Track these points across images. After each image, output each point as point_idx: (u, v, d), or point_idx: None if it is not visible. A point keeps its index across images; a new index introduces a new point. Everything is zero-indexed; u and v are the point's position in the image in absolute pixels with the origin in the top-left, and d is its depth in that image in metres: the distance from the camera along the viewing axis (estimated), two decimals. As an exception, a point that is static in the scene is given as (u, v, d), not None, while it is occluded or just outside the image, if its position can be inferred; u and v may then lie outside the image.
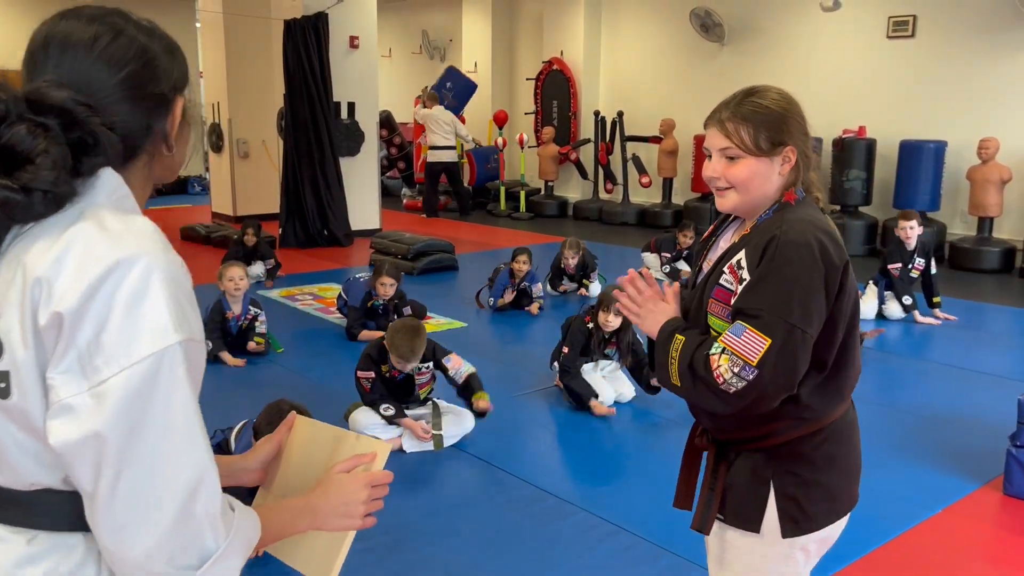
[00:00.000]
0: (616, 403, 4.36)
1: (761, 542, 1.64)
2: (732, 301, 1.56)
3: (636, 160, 10.98)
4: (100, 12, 1.02)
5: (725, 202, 1.65)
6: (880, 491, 3.39)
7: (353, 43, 9.45)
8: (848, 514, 1.71)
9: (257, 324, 5.19)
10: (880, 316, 6.08)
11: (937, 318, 6.07)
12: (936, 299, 6.09)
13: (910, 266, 6.00)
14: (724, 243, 1.74)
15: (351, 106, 9.57)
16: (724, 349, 1.52)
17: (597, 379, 4.38)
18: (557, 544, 2.97)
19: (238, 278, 5.09)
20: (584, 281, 6.82)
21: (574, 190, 12.34)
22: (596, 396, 4.23)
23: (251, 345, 5.11)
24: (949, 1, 8.56)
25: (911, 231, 5.93)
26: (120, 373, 0.88)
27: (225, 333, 5.11)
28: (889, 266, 6.02)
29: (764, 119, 1.59)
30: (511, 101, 13.42)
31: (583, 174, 11.89)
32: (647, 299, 1.71)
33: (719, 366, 1.52)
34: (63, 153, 0.94)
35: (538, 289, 6.39)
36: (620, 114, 11.17)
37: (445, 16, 14.47)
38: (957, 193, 8.60)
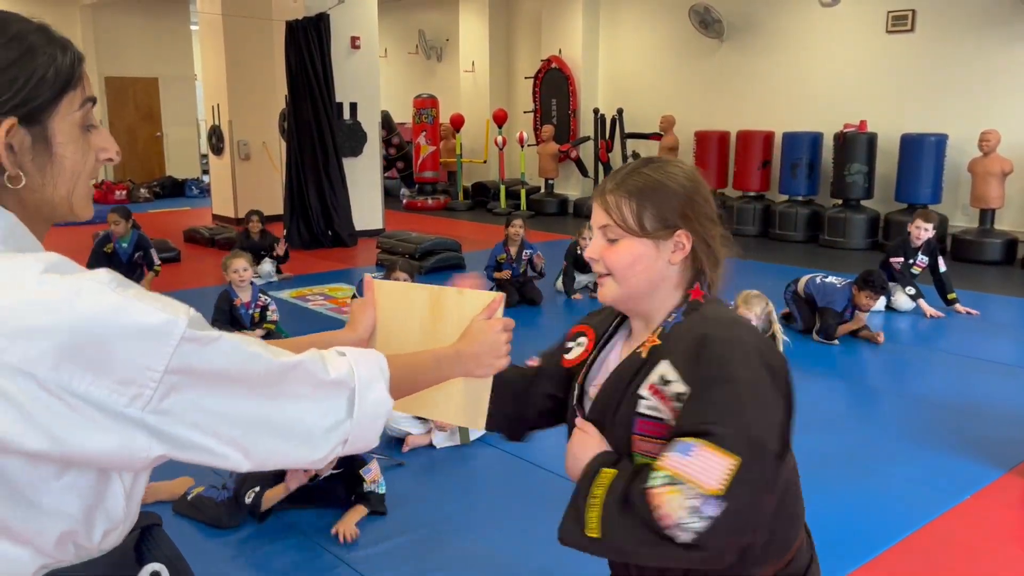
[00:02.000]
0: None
1: None
2: (668, 431, 1.23)
3: (636, 157, 11.03)
4: None
5: (605, 292, 1.35)
6: (907, 480, 3.44)
7: (354, 43, 9.47)
8: None
9: (269, 313, 5.22)
10: (889, 308, 6.15)
11: (958, 311, 6.12)
12: (951, 295, 6.15)
13: (912, 262, 6.11)
14: (614, 359, 1.42)
15: (353, 106, 9.58)
16: (669, 478, 1.14)
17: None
18: (596, 535, 3.00)
19: (242, 269, 5.12)
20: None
21: (574, 188, 12.38)
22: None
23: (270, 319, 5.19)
24: (947, -5, 8.65)
25: (923, 232, 6.05)
26: (160, 384, 0.84)
27: (236, 322, 5.13)
28: (891, 259, 6.16)
29: (652, 194, 1.30)
30: (510, 100, 13.45)
31: (583, 172, 11.93)
32: (574, 436, 1.36)
33: (664, 503, 1.14)
34: None
35: (540, 258, 6.51)
36: (620, 111, 11.21)
37: (441, 15, 14.49)
38: (958, 186, 8.68)
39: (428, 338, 1.24)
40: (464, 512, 3.21)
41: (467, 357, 1.16)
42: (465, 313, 1.27)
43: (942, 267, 6.13)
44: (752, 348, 1.23)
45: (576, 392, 1.45)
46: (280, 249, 7.39)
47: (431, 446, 3.77)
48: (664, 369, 1.25)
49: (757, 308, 4.49)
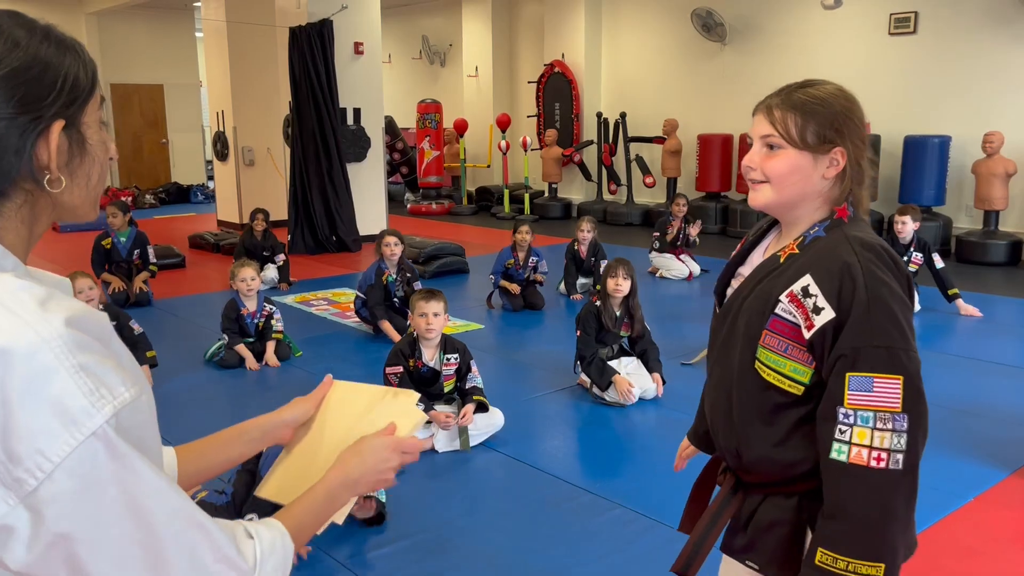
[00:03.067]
0: (641, 399, 4.41)
1: None
2: (805, 335, 1.37)
3: (640, 161, 11.04)
4: None
5: (757, 196, 1.48)
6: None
7: (358, 49, 9.50)
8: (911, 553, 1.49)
9: (273, 322, 5.23)
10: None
11: (961, 308, 6.09)
12: (952, 291, 6.13)
13: (906, 259, 6.09)
14: (758, 257, 1.57)
15: (357, 112, 9.61)
16: (857, 418, 1.31)
17: (621, 377, 4.41)
18: (597, 539, 3.01)
19: (250, 278, 5.15)
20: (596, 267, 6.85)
21: (578, 192, 12.39)
22: (616, 372, 4.34)
23: (270, 358, 5.13)
24: (950, -3, 8.64)
25: (902, 226, 6.05)
26: (49, 477, 0.74)
27: (242, 331, 5.16)
28: None
29: (816, 111, 1.41)
30: (513, 104, 13.47)
31: (587, 176, 11.94)
32: None
33: (869, 447, 1.31)
34: None
35: (544, 266, 6.59)
36: (623, 115, 11.23)
37: (445, 21, 14.52)
38: (962, 187, 8.67)
39: (352, 431, 1.20)
40: (465, 516, 3.22)
41: (357, 484, 1.10)
42: (389, 413, 1.22)
43: (939, 263, 6.09)
44: (888, 269, 1.36)
45: (720, 282, 1.64)
46: (279, 260, 7.42)
47: (433, 450, 3.77)
48: (807, 282, 1.37)
49: None
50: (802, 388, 1.41)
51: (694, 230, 7.68)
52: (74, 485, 0.74)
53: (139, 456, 0.78)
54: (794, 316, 1.39)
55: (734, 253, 1.65)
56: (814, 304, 1.36)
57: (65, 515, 0.74)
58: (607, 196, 11.80)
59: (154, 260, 6.94)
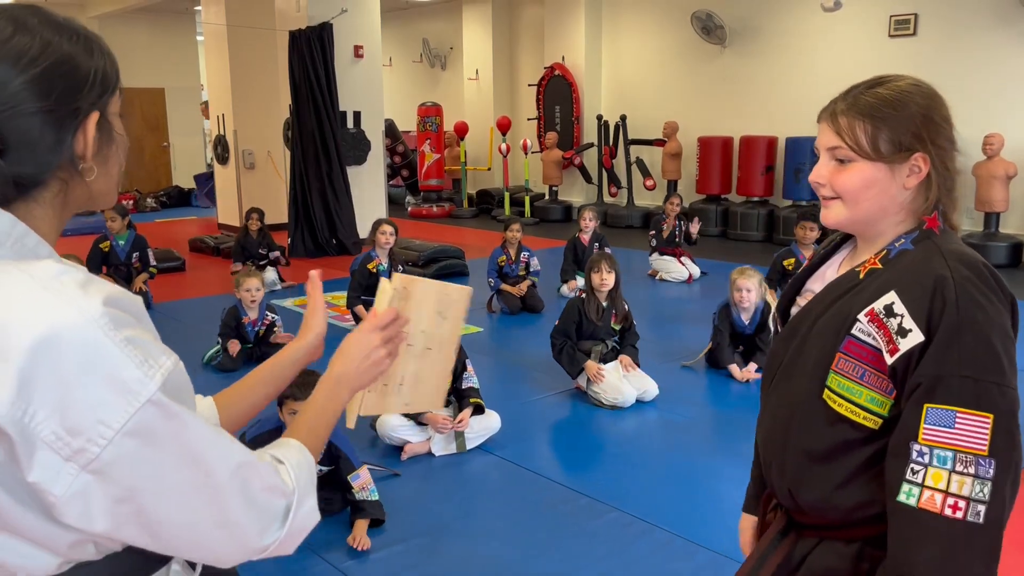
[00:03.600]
0: (639, 401, 4.40)
1: None
2: (888, 360, 1.20)
3: (640, 163, 11.04)
4: (6, 10, 0.88)
5: (829, 214, 1.31)
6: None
7: (358, 52, 9.51)
8: None
9: (276, 330, 5.26)
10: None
11: None
12: None
13: None
14: (831, 273, 1.40)
15: (357, 115, 9.62)
16: (933, 457, 1.14)
17: (616, 379, 4.41)
18: (594, 542, 3.00)
19: (255, 289, 5.18)
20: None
21: (578, 194, 12.38)
22: (588, 356, 4.44)
23: (279, 336, 5.19)
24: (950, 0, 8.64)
25: None
26: (111, 444, 0.79)
27: (242, 338, 5.17)
28: None
29: (889, 115, 1.25)
30: (513, 107, 13.47)
31: (587, 178, 11.93)
32: None
33: (945, 492, 1.13)
34: None
35: (535, 263, 6.63)
36: (623, 118, 11.22)
37: (445, 24, 14.54)
38: (962, 189, 8.63)
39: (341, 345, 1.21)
40: (462, 519, 3.21)
41: (348, 378, 1.13)
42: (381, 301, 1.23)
43: None
44: (990, 290, 1.19)
45: (784, 299, 1.47)
46: (276, 256, 7.51)
47: (430, 454, 3.77)
48: (891, 299, 1.20)
49: (754, 280, 4.75)
50: (880, 421, 1.23)
51: (694, 227, 7.68)
52: (136, 444, 0.80)
53: (188, 411, 0.85)
54: (875, 338, 1.21)
55: (803, 267, 1.49)
56: (899, 325, 1.19)
57: (129, 472, 0.80)
58: (607, 198, 11.80)
59: (154, 263, 6.96)
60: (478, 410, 3.85)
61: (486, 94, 13.59)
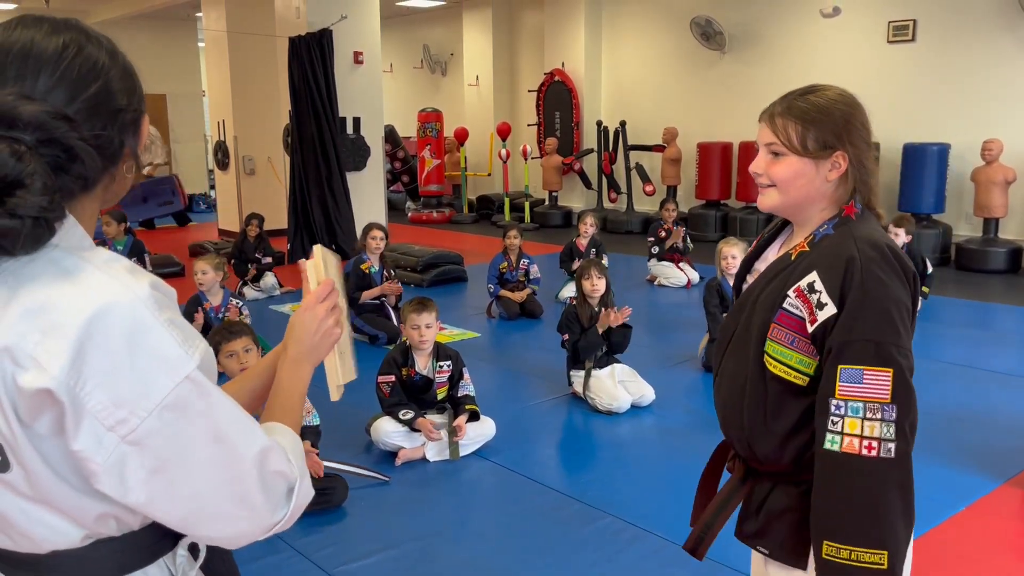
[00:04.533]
0: (635, 407, 4.40)
1: None
2: (809, 328, 1.43)
3: (639, 169, 11.04)
4: (61, 23, 0.95)
5: (765, 200, 1.57)
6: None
7: (357, 59, 9.52)
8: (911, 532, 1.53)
9: (241, 318, 5.16)
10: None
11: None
12: (924, 288, 6.18)
13: None
14: (772, 255, 1.64)
15: (356, 121, 9.63)
16: (848, 408, 1.37)
17: (611, 384, 4.41)
18: (586, 548, 2.99)
19: (201, 272, 4.97)
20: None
21: (578, 200, 12.39)
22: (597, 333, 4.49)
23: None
24: (948, 5, 8.63)
25: (895, 238, 6.07)
26: (150, 416, 0.85)
27: (206, 325, 5.07)
28: None
29: (816, 119, 1.49)
30: (513, 113, 13.49)
31: (587, 184, 11.94)
32: None
33: (860, 436, 1.36)
34: (47, 172, 0.85)
35: (535, 271, 6.64)
36: (623, 124, 11.23)
37: (446, 30, 14.57)
38: (962, 195, 8.65)
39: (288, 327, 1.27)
40: (456, 525, 3.21)
41: (304, 354, 1.17)
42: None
43: (929, 269, 6.23)
44: (889, 267, 1.42)
45: (737, 278, 1.73)
46: (268, 262, 7.55)
47: (424, 459, 3.76)
48: (813, 278, 1.44)
49: (739, 247, 4.86)
50: (806, 379, 1.46)
51: (677, 234, 7.62)
52: (172, 417, 0.86)
53: (218, 390, 0.92)
54: (800, 310, 1.45)
55: (750, 249, 1.74)
56: (818, 300, 1.43)
57: (164, 444, 0.87)
58: (607, 204, 11.81)
59: (150, 268, 6.97)
60: (473, 417, 3.85)
61: (486, 100, 13.61)
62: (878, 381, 1.36)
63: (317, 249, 1.23)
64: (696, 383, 4.89)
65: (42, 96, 0.88)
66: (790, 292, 1.47)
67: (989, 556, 2.95)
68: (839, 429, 1.37)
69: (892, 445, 1.35)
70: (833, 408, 1.38)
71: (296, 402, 1.14)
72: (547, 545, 3.03)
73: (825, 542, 1.39)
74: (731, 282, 4.88)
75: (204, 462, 0.90)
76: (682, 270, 7.65)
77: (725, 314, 4.96)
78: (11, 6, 13.57)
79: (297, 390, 1.15)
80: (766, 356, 1.49)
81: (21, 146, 0.84)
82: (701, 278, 7.66)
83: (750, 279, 1.66)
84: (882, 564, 1.35)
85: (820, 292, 1.43)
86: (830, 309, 1.41)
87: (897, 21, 8.99)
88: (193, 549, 1.04)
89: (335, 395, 1.28)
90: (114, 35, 1.02)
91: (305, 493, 1.02)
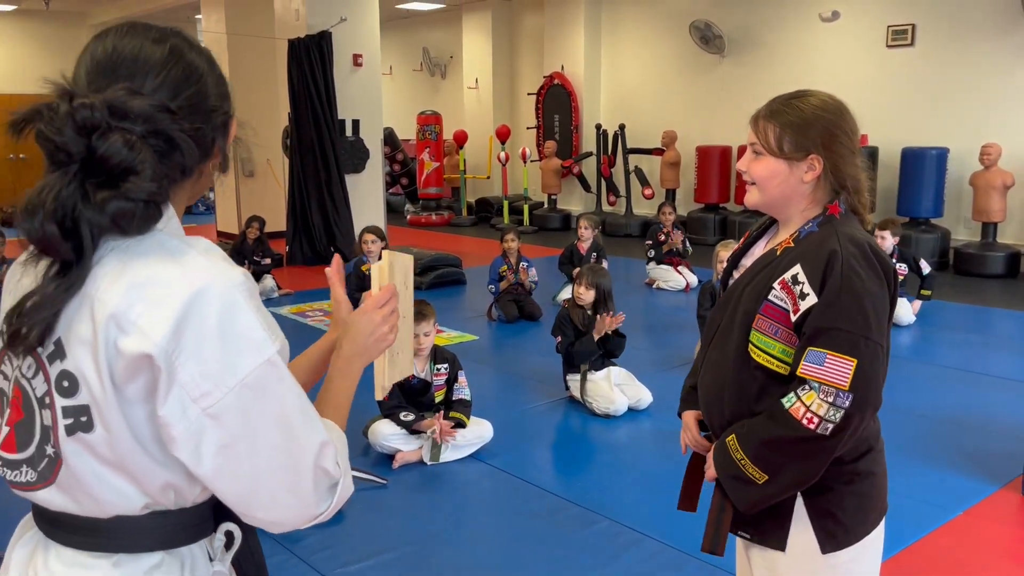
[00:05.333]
0: (632, 410, 4.39)
1: (804, 560, 1.59)
2: (792, 318, 1.52)
3: (638, 172, 11.04)
4: (166, 32, 1.04)
5: (748, 196, 1.67)
6: (901, 494, 3.40)
7: (357, 61, 9.53)
8: (883, 519, 1.68)
9: None
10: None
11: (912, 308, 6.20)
12: (924, 291, 6.19)
13: None
14: (759, 251, 1.72)
15: (355, 123, 9.63)
16: (807, 384, 1.48)
17: (607, 388, 4.40)
18: (583, 552, 2.99)
19: None
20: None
21: (577, 203, 12.39)
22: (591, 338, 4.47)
23: None
24: (947, 9, 8.65)
25: (881, 240, 6.07)
26: (231, 392, 0.92)
27: None
28: None
29: (793, 123, 1.58)
30: (512, 116, 13.50)
31: (586, 187, 11.94)
32: None
33: (808, 408, 1.47)
34: (156, 160, 0.94)
35: (533, 273, 6.65)
36: (622, 127, 11.24)
37: (445, 33, 14.58)
38: (960, 199, 8.65)
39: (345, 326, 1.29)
40: (452, 528, 3.20)
41: (357, 355, 1.21)
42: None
43: (925, 269, 6.18)
44: (868, 264, 1.51)
45: (725, 273, 1.81)
46: (268, 262, 7.58)
47: (421, 462, 3.76)
48: (797, 271, 1.53)
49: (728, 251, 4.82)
50: (787, 368, 1.55)
51: (676, 238, 7.65)
52: (249, 397, 0.93)
53: (292, 380, 0.99)
54: (784, 302, 1.53)
55: (738, 246, 1.82)
56: (801, 290, 1.51)
57: (237, 421, 0.93)
58: (606, 207, 11.81)
59: None
60: (458, 425, 3.84)
61: (485, 103, 13.62)
62: (839, 368, 1.46)
63: (386, 254, 1.28)
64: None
65: (150, 94, 0.97)
66: (775, 284, 1.55)
67: (986, 560, 2.94)
68: (797, 395, 1.49)
69: (831, 426, 1.46)
70: (796, 382, 1.51)
71: (344, 400, 1.19)
72: (544, 548, 3.02)
73: (735, 435, 1.56)
74: None
75: (269, 446, 0.96)
76: (680, 273, 7.65)
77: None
78: (11, 7, 13.58)
79: (345, 388, 1.20)
80: (750, 345, 1.57)
81: (132, 136, 0.92)
82: (700, 281, 7.66)
83: (736, 274, 1.73)
84: (759, 479, 1.52)
85: (803, 283, 1.51)
86: (811, 299, 1.50)
87: (896, 25, 9.01)
88: (229, 537, 1.09)
89: (379, 394, 1.36)
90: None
91: (346, 488, 1.06)
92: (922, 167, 8.45)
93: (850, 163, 1.60)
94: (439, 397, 3.96)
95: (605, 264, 7.05)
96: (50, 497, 0.99)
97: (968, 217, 8.60)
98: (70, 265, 0.93)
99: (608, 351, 4.52)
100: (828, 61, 9.57)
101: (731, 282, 1.75)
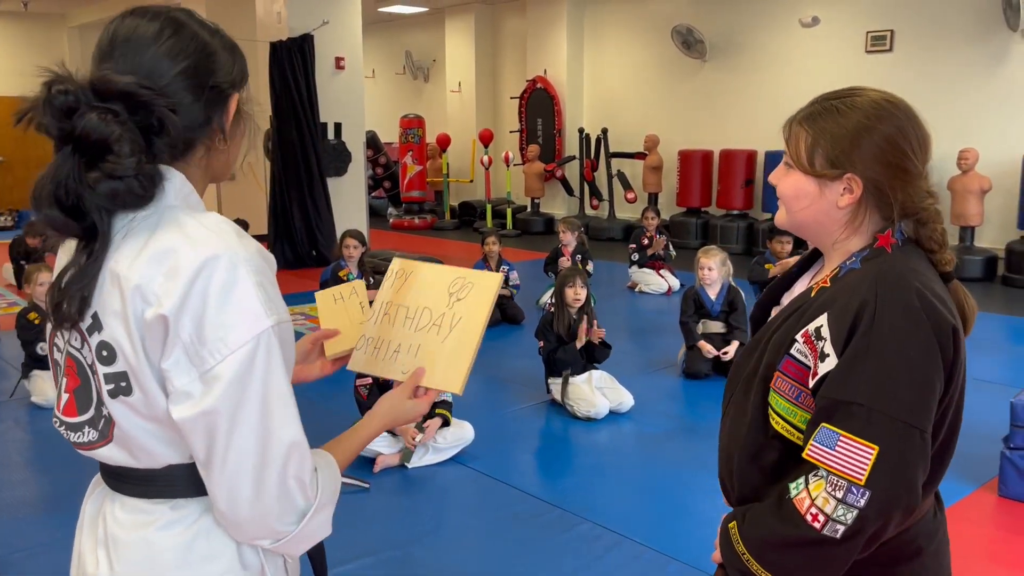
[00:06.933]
0: (614, 413, 4.40)
1: None
2: (810, 383, 1.19)
3: (621, 176, 11.08)
4: (164, 10, 1.08)
5: (778, 215, 1.34)
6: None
7: (339, 64, 9.50)
8: None
9: None
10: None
11: None
12: None
13: None
14: (799, 287, 1.40)
15: (338, 127, 9.61)
16: (814, 471, 1.16)
17: (589, 391, 4.41)
18: (565, 555, 2.99)
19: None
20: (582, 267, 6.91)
21: (560, 207, 12.42)
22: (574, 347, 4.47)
23: None
24: (926, 16, 8.75)
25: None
26: (224, 360, 0.97)
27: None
28: None
29: (830, 131, 1.23)
30: (496, 120, 13.51)
31: (569, 191, 11.97)
32: None
33: (812, 501, 1.14)
34: (136, 136, 0.98)
35: (514, 277, 6.63)
36: (604, 131, 11.28)
37: (428, 36, 14.58)
38: (938, 203, 8.72)
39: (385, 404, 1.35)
40: (433, 532, 3.19)
41: (387, 424, 1.30)
42: (457, 312, 1.38)
43: None
44: (913, 317, 1.14)
45: (757, 309, 1.48)
46: None
47: (402, 465, 3.75)
48: (821, 323, 1.19)
49: (716, 258, 4.92)
50: None
51: (659, 243, 7.67)
52: (238, 369, 0.97)
53: (281, 363, 1.02)
54: (807, 358, 1.20)
55: (777, 280, 1.46)
56: (822, 349, 1.18)
57: (223, 391, 0.97)
58: (589, 211, 11.84)
59: None
60: (445, 424, 3.83)
61: (468, 106, 13.62)
62: (855, 455, 1.11)
63: (399, 261, 1.30)
64: (675, 390, 4.91)
65: (145, 71, 1.01)
66: (798, 336, 1.22)
67: (963, 560, 2.96)
68: (805, 483, 1.17)
69: (841, 528, 1.12)
70: (808, 467, 1.18)
71: (357, 448, 1.24)
72: (525, 551, 3.02)
73: (736, 524, 1.25)
74: (709, 292, 5.00)
75: (246, 427, 0.99)
76: (663, 277, 7.68)
77: (700, 321, 5.04)
78: (-11, 8, 13.44)
79: (360, 441, 1.26)
80: (770, 410, 1.25)
81: (107, 114, 0.96)
82: (682, 285, 7.70)
83: (775, 312, 1.38)
84: None
85: (826, 340, 1.17)
86: (831, 362, 1.16)
87: (875, 31, 9.10)
88: None
89: (328, 352, 1.45)
90: (93, 38, 1.08)
91: (319, 524, 1.07)
92: (901, 172, 8.52)
93: (909, 186, 1.22)
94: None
95: (591, 266, 7.08)
96: (110, 453, 1.07)
97: (946, 221, 8.68)
98: (92, 240, 1.00)
99: (592, 358, 4.53)
100: (808, 66, 9.64)
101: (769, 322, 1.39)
